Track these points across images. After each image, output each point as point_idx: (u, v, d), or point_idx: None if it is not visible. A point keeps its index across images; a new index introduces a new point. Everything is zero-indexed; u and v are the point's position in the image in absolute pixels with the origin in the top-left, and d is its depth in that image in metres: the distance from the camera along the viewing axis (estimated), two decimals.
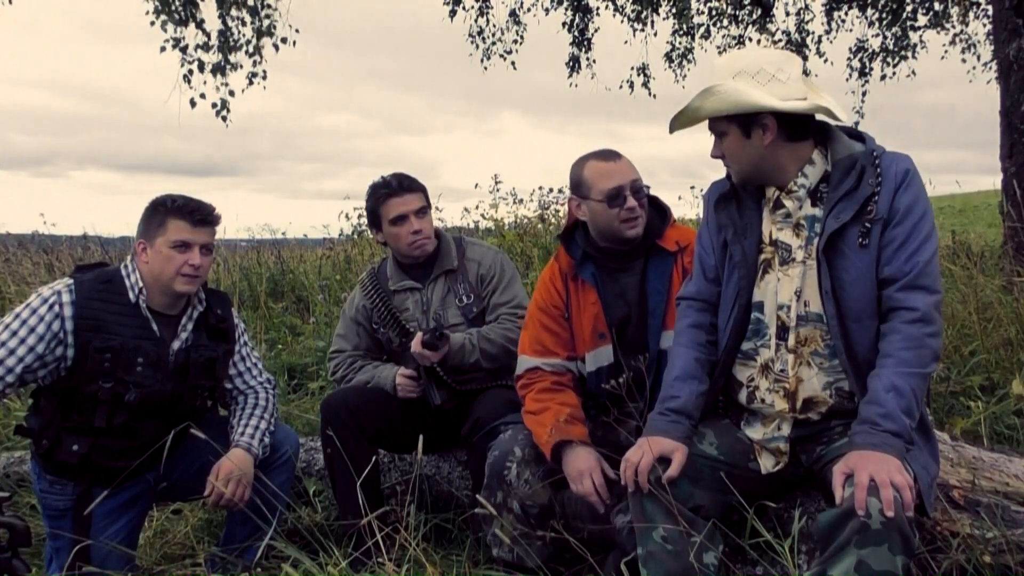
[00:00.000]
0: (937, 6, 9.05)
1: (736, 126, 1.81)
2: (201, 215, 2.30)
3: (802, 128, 1.80)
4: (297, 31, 7.67)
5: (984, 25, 9.18)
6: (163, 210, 2.28)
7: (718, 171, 1.95)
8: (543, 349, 2.29)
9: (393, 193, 2.68)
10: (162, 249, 2.25)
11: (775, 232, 1.86)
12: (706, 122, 1.87)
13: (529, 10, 9.26)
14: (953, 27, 9.51)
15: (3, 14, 7.57)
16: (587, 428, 2.18)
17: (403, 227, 2.67)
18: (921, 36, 9.47)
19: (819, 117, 1.82)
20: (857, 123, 9.92)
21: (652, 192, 2.29)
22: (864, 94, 9.89)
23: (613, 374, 2.20)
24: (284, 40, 7.62)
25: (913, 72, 9.81)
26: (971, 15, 9.32)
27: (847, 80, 9.84)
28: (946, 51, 9.91)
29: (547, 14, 9.29)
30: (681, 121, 1.86)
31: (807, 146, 1.82)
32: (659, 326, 2.20)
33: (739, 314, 1.87)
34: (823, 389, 1.80)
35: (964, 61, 9.90)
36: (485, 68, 9.63)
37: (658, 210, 2.30)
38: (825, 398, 1.81)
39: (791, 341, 1.81)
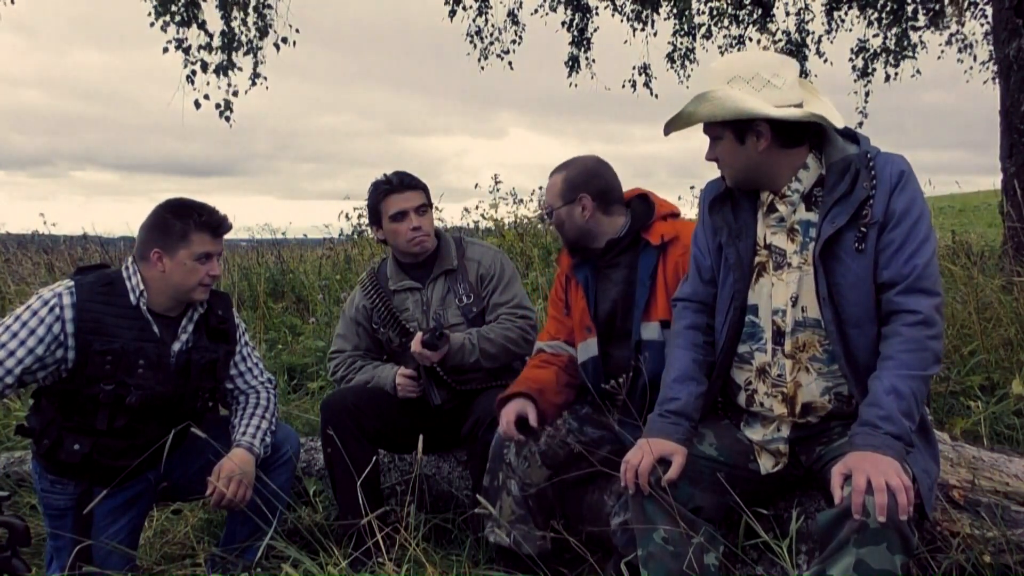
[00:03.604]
0: (935, 6, 9.05)
1: (730, 132, 1.81)
2: (223, 228, 2.32)
3: (797, 134, 1.79)
4: (297, 31, 7.68)
5: (982, 25, 9.19)
6: (186, 222, 2.26)
7: (717, 171, 1.95)
8: (549, 335, 2.49)
9: (394, 190, 2.69)
10: (186, 261, 2.25)
11: (769, 236, 1.86)
12: (703, 126, 1.87)
13: (536, 11, 9.25)
14: (949, 27, 9.52)
15: (3, 14, 7.60)
16: (534, 387, 2.29)
17: (402, 223, 2.68)
18: (921, 36, 9.48)
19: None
20: (860, 123, 9.91)
21: (650, 191, 2.44)
22: (867, 94, 9.89)
23: (598, 366, 2.32)
24: (284, 40, 7.62)
25: (918, 71, 9.80)
26: (968, 15, 9.33)
27: (854, 81, 9.84)
28: (942, 51, 9.92)
29: (549, 14, 9.28)
30: (676, 125, 1.87)
31: (802, 151, 1.82)
32: (640, 316, 2.26)
33: (735, 317, 1.87)
34: (822, 394, 1.80)
35: (961, 62, 9.91)
36: (482, 68, 9.63)
37: (647, 205, 2.39)
38: (824, 403, 1.80)
39: (788, 346, 1.81)
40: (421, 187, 2.73)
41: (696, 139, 2.10)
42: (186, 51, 7.43)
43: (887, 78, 9.73)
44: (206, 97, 7.47)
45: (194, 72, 7.46)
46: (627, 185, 2.44)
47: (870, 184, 1.73)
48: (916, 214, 1.72)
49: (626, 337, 2.30)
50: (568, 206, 2.35)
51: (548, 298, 2.58)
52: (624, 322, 2.31)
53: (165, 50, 7.38)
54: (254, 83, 7.82)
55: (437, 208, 6.18)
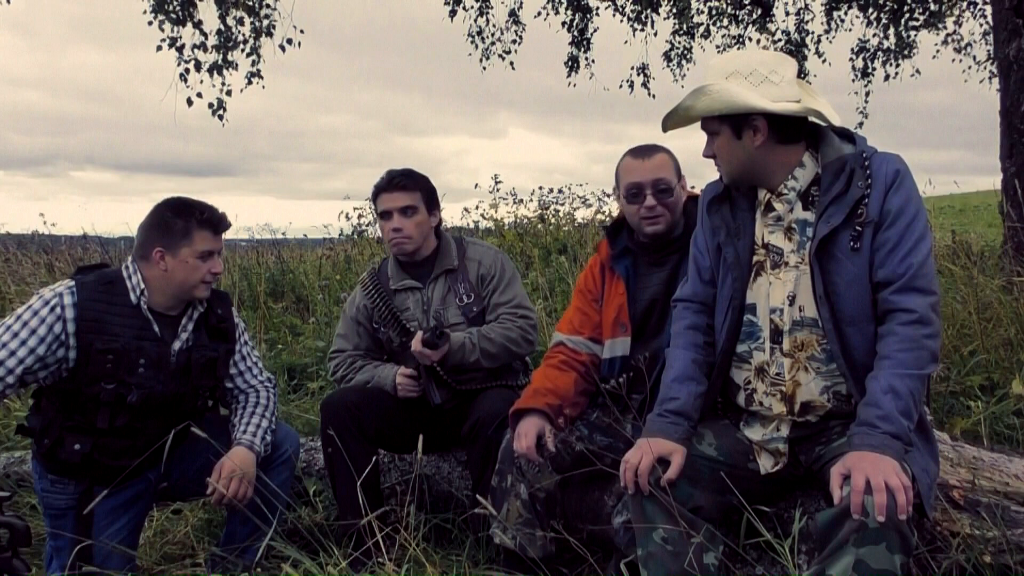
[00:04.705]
0: (933, 6, 9.06)
1: (727, 126, 1.81)
2: (223, 225, 2.34)
3: (794, 131, 1.80)
4: (302, 31, 7.67)
5: (980, 25, 9.19)
6: (188, 220, 2.27)
7: (716, 172, 1.94)
8: (571, 327, 2.41)
9: (383, 188, 2.71)
10: (188, 259, 2.26)
11: (767, 235, 1.86)
12: (700, 122, 1.87)
13: (539, 14, 9.24)
14: (945, 28, 9.53)
15: (2, 14, 7.60)
16: (555, 402, 2.22)
17: (387, 223, 2.70)
18: (917, 36, 9.49)
19: (811, 119, 1.82)
20: (861, 124, 9.92)
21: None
22: (867, 95, 9.89)
23: (625, 366, 2.27)
24: (290, 41, 7.61)
25: (917, 71, 9.82)
26: (966, 15, 9.34)
27: (852, 81, 9.85)
28: (938, 51, 9.94)
29: (555, 15, 9.26)
30: (674, 120, 1.86)
31: (798, 149, 1.82)
32: None
33: (734, 316, 1.88)
34: (820, 393, 1.80)
35: (960, 61, 9.92)
36: (484, 68, 9.63)
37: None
38: (823, 402, 1.81)
39: (786, 345, 1.81)
40: (412, 188, 2.70)
41: (695, 138, 2.10)
42: (179, 50, 7.43)
43: (887, 78, 9.75)
44: (199, 95, 7.47)
45: (187, 71, 7.46)
46: None
47: (865, 183, 1.73)
48: (911, 213, 1.72)
49: (654, 338, 2.28)
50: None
51: (575, 288, 2.49)
52: (658, 323, 2.28)
53: (158, 48, 7.38)
54: (250, 82, 7.82)
55: None
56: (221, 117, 7.69)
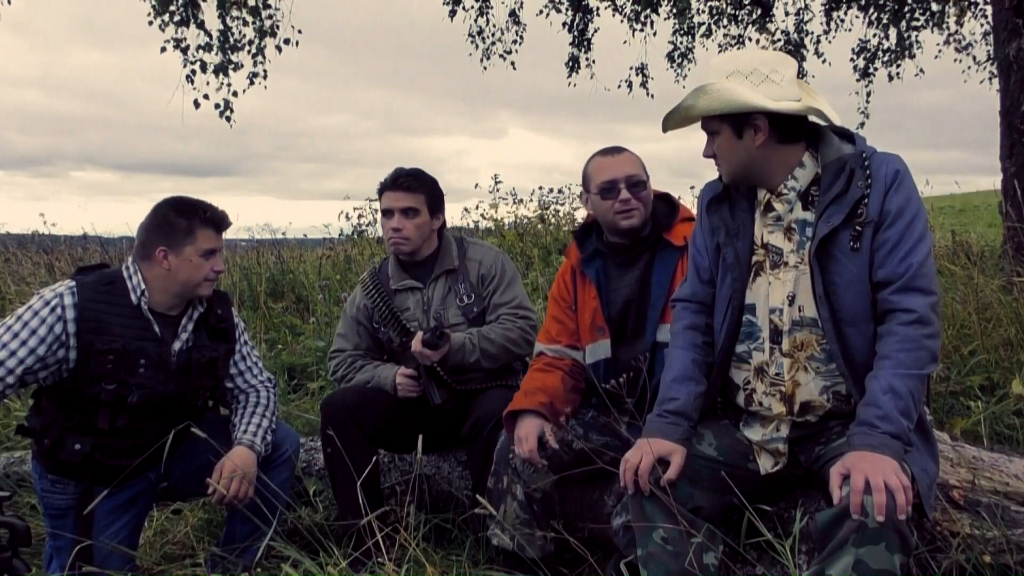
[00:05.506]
0: (935, 6, 9.06)
1: (728, 126, 1.80)
2: (225, 223, 2.35)
3: (794, 130, 1.80)
4: (300, 32, 7.68)
5: (981, 25, 9.19)
6: (191, 219, 2.28)
7: (716, 172, 1.94)
8: (549, 337, 2.42)
9: (386, 187, 2.72)
10: (192, 258, 2.27)
11: (766, 235, 1.86)
12: (701, 122, 1.87)
13: (541, 12, 9.23)
14: (948, 28, 9.53)
15: (2, 14, 7.61)
16: (546, 400, 2.23)
17: (388, 221, 2.70)
18: (917, 36, 9.49)
19: (811, 119, 1.82)
20: (862, 124, 9.92)
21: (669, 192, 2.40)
22: (868, 95, 9.89)
23: (609, 368, 2.26)
24: (287, 41, 7.62)
25: (921, 70, 9.83)
26: (968, 15, 9.34)
27: (855, 81, 9.85)
28: (940, 51, 9.94)
29: (556, 13, 9.25)
30: (674, 120, 1.86)
31: (798, 148, 1.82)
32: (657, 318, 2.23)
33: (733, 316, 1.87)
34: (820, 393, 1.80)
35: (960, 62, 9.93)
36: (484, 68, 9.63)
37: (670, 206, 2.36)
38: (822, 402, 1.81)
39: (786, 345, 1.81)
40: (416, 189, 2.69)
41: (695, 138, 2.10)
42: (184, 51, 7.43)
43: (891, 78, 9.74)
44: (205, 97, 7.48)
45: (193, 72, 7.47)
46: None
47: (865, 183, 1.73)
48: (911, 213, 1.72)
49: (635, 338, 2.28)
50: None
51: (548, 296, 2.50)
52: (637, 323, 2.28)
53: (163, 49, 7.39)
54: (252, 83, 7.82)
55: None
56: (228, 119, 7.70)
